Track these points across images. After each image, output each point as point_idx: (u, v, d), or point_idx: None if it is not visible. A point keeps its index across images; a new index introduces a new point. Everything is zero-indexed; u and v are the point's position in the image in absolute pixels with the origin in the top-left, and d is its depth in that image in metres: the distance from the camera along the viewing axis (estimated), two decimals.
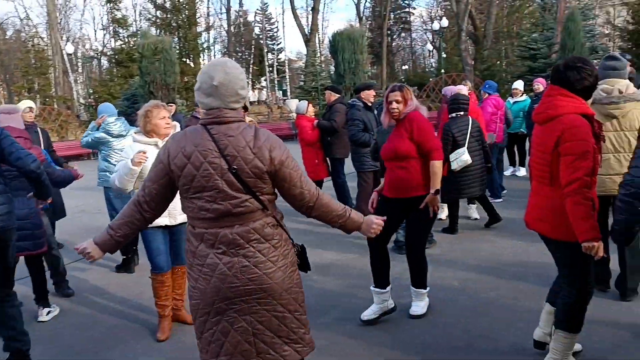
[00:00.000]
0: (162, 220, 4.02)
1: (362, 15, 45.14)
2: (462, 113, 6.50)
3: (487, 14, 30.18)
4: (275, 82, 49.84)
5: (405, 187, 4.10)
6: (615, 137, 3.95)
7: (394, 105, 4.11)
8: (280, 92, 47.84)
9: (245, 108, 6.53)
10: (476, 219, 7.24)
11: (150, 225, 3.75)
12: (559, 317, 3.23)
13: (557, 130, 2.94)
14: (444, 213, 7.39)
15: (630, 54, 24.58)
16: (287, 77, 47.14)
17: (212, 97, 2.33)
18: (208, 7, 46.10)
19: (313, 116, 8.06)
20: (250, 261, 2.34)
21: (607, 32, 39.78)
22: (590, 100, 3.16)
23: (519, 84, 10.19)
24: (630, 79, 8.10)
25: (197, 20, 33.22)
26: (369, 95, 6.97)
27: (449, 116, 6.58)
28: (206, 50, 36.31)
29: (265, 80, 50.24)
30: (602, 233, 3.17)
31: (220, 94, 2.32)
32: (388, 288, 4.29)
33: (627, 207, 2.56)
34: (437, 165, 4.06)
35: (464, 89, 7.31)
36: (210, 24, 44.41)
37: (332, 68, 23.19)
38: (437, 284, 4.91)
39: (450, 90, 7.53)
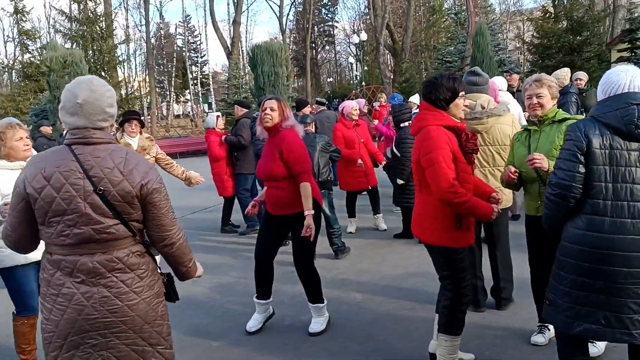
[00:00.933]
0: (36, 255, 3.17)
1: (284, 28, 45.29)
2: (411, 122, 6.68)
3: (404, 28, 31.13)
4: (200, 95, 49.11)
5: (284, 204, 4.08)
6: (480, 152, 3.99)
7: (268, 111, 4.02)
8: (206, 105, 47.15)
9: (141, 124, 6.22)
10: (385, 229, 7.33)
11: (22, 263, 3.49)
12: (440, 320, 3.35)
13: (419, 141, 3.19)
14: (352, 227, 7.45)
15: (536, 66, 25.92)
16: (212, 89, 46.51)
17: (76, 115, 2.21)
18: (127, 19, 44.82)
19: (222, 130, 7.91)
20: (111, 292, 2.21)
21: (518, 45, 42.09)
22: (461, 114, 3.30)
23: (414, 98, 10.60)
24: (519, 92, 8.49)
25: (115, 32, 32.21)
26: None
27: (401, 125, 6.69)
28: (125, 63, 35.23)
29: (190, 93, 49.38)
30: (475, 242, 3.36)
31: (85, 113, 2.20)
32: (270, 299, 4.35)
33: (553, 205, 2.67)
34: (306, 187, 3.98)
35: (354, 104, 7.36)
36: (129, 36, 43.14)
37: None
38: (341, 298, 4.91)
39: (342, 105, 7.56)
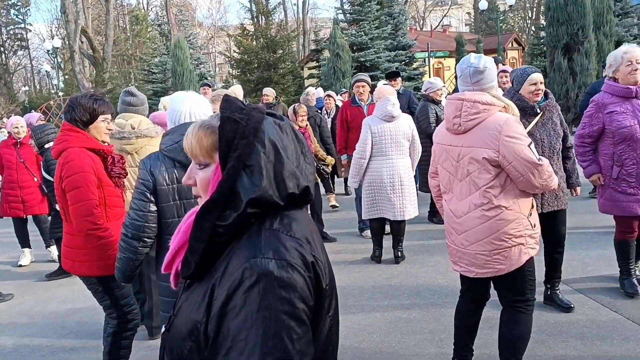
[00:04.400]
0: None
1: None
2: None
3: (105, 36, 29.53)
4: None
5: None
6: (131, 174, 3.71)
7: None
8: None
9: None
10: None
11: None
12: (105, 349, 3.16)
13: (60, 165, 2.95)
14: (25, 258, 6.55)
15: (239, 80, 27.27)
16: None
17: None
18: None
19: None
20: None
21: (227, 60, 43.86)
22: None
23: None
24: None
25: None
26: None
27: (45, 146, 5.64)
28: None
29: None
30: None
31: None
32: None
33: (127, 246, 2.54)
34: None
35: (15, 121, 6.55)
36: None
37: None
38: None
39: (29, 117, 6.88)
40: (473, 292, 3.07)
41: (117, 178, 3.10)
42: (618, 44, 18.86)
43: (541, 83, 3.61)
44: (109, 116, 3.12)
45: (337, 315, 1.29)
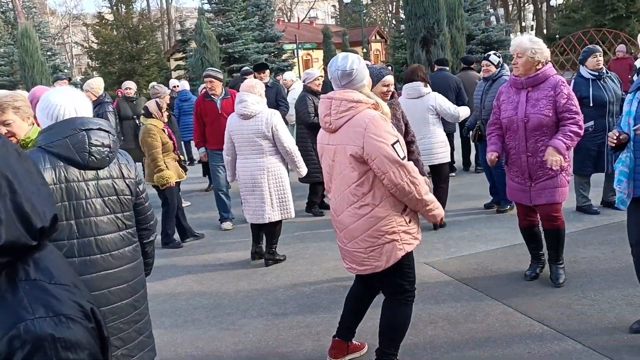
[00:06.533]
0: None
1: None
2: None
3: None
4: None
5: None
6: None
7: None
8: None
9: None
10: None
11: None
12: None
13: None
14: None
15: (99, 72, 25.65)
16: None
17: None
18: None
19: None
20: None
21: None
22: None
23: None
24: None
25: None
26: None
27: None
28: None
29: None
30: None
31: None
32: None
33: None
34: None
35: None
36: None
37: None
38: None
39: None
40: (364, 282, 3.17)
41: None
42: (469, 38, 20.42)
43: (392, 85, 3.74)
44: None
45: None
